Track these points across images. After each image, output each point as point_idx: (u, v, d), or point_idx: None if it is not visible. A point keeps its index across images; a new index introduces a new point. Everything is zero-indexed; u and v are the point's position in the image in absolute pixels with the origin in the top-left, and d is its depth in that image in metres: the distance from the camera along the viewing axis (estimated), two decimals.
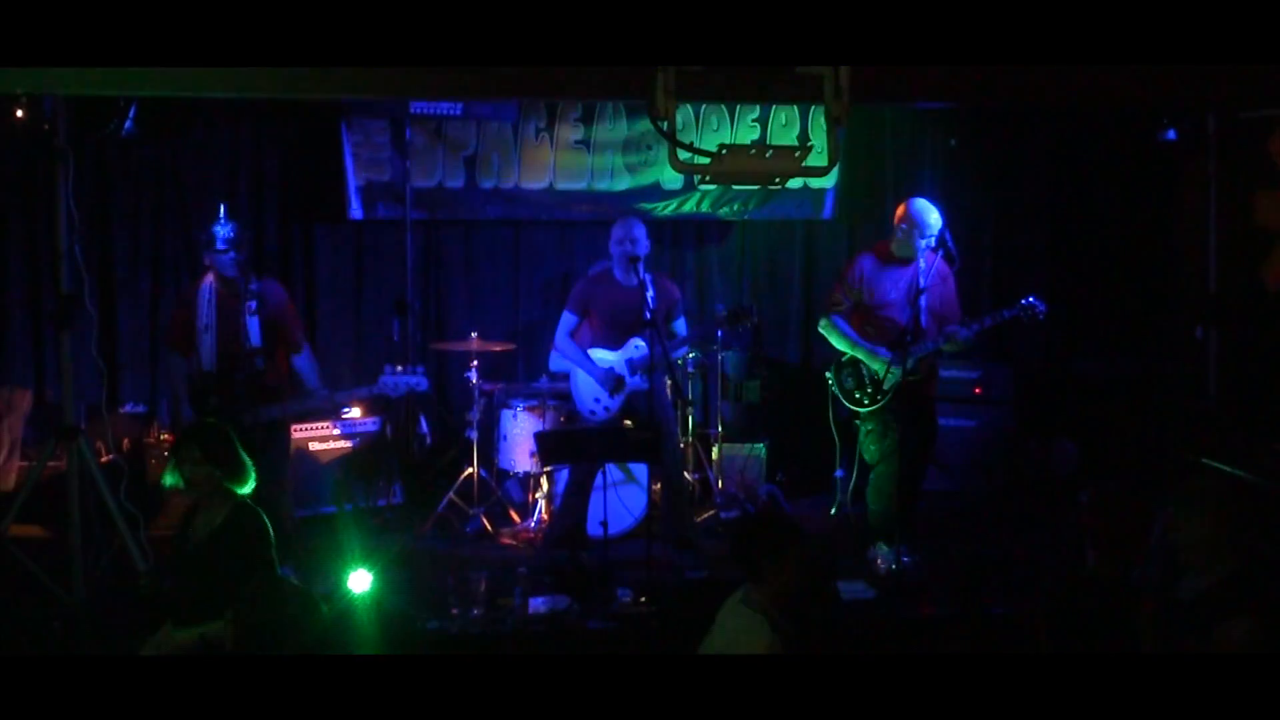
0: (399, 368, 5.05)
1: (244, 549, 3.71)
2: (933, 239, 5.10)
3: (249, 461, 3.85)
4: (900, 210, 5.22)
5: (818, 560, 3.53)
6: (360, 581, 3.92)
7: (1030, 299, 5.06)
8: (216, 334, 4.95)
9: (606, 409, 5.46)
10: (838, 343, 5.28)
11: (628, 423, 5.60)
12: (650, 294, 5.18)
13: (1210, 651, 2.88)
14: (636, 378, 5.40)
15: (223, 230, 4.94)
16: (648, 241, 5.39)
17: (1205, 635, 2.91)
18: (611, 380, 5.42)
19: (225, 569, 3.62)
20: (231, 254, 4.93)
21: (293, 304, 5.33)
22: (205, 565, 3.71)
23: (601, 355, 5.47)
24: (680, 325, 5.52)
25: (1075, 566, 3.31)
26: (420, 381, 5.03)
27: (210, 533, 3.76)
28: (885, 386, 5.10)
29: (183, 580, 3.79)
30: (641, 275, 5.27)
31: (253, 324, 4.92)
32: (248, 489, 3.84)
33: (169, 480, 3.83)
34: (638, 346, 5.39)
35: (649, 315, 5.09)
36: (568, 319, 5.53)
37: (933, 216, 5.11)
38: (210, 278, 5.04)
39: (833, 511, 6.14)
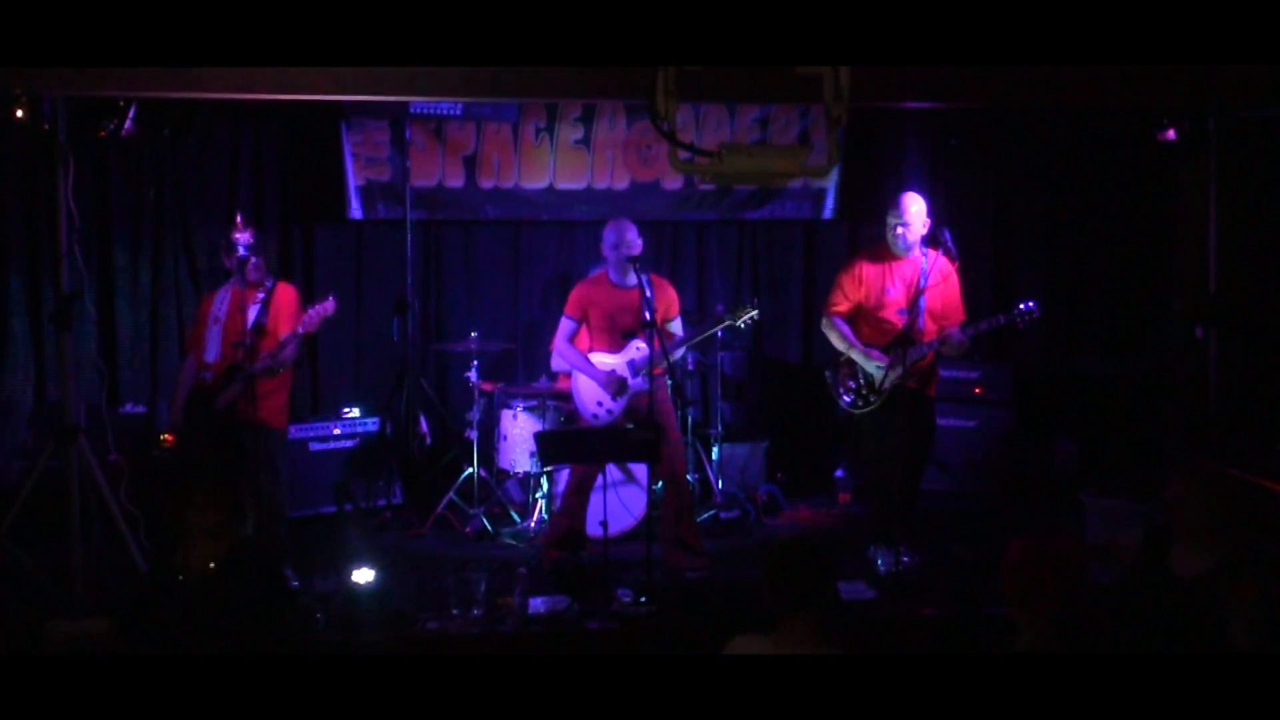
0: (313, 304, 5.02)
1: (254, 585, 3.54)
2: (912, 228, 5.09)
3: (249, 497, 3.68)
4: (890, 207, 5.23)
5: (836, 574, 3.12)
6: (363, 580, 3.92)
7: (1025, 304, 5.02)
8: (223, 326, 5.09)
9: (610, 412, 5.45)
10: (836, 343, 5.29)
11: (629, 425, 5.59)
12: (649, 294, 5.17)
13: (1216, 620, 2.96)
14: (639, 379, 5.39)
15: (243, 236, 5.05)
16: (641, 241, 5.38)
17: (1207, 613, 2.99)
18: (614, 383, 5.41)
19: (231, 605, 3.45)
20: (253, 259, 5.06)
21: (298, 303, 5.30)
22: (205, 601, 3.49)
23: (602, 359, 5.46)
24: (677, 326, 5.49)
25: (1004, 637, 2.86)
26: (326, 305, 4.98)
27: (213, 565, 3.53)
28: (881, 388, 5.10)
29: (173, 615, 3.52)
30: (639, 276, 5.26)
31: (254, 311, 5.04)
32: (249, 526, 3.66)
33: None
34: (639, 348, 5.38)
35: (649, 316, 5.07)
36: (567, 324, 5.51)
37: (914, 207, 5.10)
38: (233, 280, 5.12)
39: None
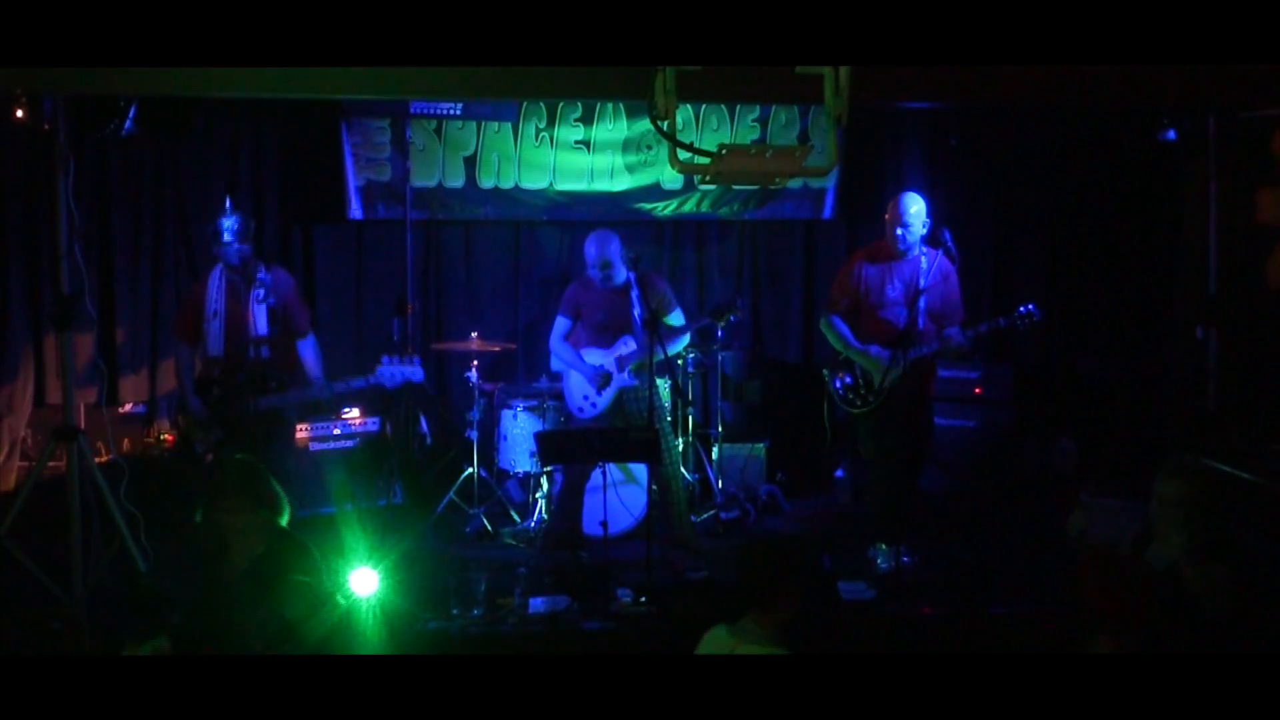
0: (396, 358, 5.02)
1: (290, 578, 3.56)
2: (911, 230, 5.09)
3: (282, 491, 3.72)
4: (889, 206, 5.23)
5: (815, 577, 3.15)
6: (365, 582, 3.91)
7: (1026, 308, 5.03)
8: (224, 321, 5.03)
9: (594, 405, 5.50)
10: (835, 343, 5.29)
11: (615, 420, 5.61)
12: (635, 293, 5.20)
13: (1188, 598, 3.01)
14: (625, 373, 5.42)
15: (228, 222, 5.01)
16: (621, 248, 5.42)
17: (1180, 591, 3.03)
18: (600, 377, 5.46)
19: (271, 599, 3.50)
20: (235, 245, 5.00)
21: (300, 291, 5.34)
22: (246, 597, 3.53)
23: (593, 356, 5.51)
24: (676, 317, 5.52)
25: (1079, 650, 2.70)
26: (415, 372, 4.98)
27: (251, 563, 3.59)
28: (879, 387, 5.10)
29: (215, 614, 3.55)
30: (627, 275, 5.29)
31: (259, 311, 4.99)
32: (285, 518, 3.69)
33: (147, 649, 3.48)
34: (627, 343, 5.42)
35: (639, 314, 5.10)
36: (561, 323, 5.59)
37: (914, 207, 5.10)
38: (220, 266, 5.10)
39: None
